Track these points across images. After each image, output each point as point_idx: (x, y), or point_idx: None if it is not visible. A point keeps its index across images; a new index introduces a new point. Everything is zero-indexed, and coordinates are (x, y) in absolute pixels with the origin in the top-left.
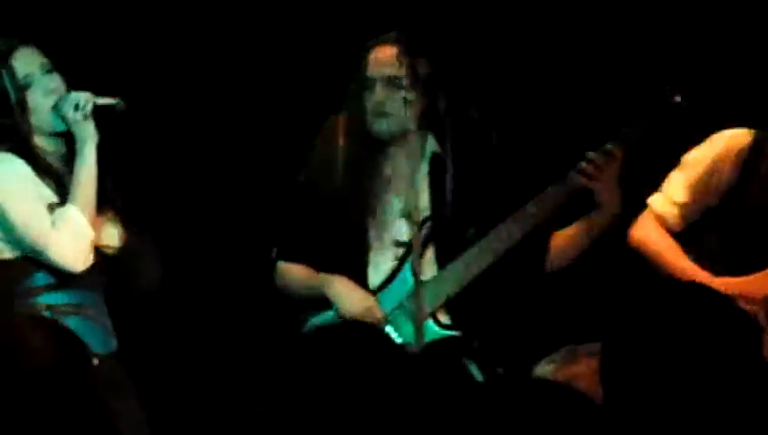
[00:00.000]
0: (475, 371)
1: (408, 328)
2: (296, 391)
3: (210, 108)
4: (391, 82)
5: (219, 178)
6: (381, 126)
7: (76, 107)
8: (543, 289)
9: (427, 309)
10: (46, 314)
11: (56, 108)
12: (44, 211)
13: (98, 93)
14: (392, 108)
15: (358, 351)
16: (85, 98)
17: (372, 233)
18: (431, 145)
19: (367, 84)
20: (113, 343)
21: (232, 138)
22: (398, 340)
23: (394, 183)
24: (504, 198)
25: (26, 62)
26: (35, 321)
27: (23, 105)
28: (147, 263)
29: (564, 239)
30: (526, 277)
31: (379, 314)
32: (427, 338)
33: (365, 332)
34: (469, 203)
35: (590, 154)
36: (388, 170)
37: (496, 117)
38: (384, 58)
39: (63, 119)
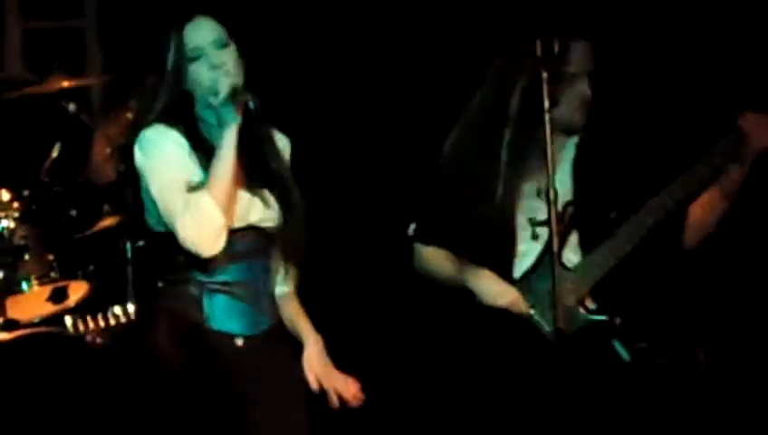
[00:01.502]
0: (620, 349)
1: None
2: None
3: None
4: (589, 75)
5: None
6: (583, 119)
7: (215, 93)
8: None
9: (574, 296)
10: (193, 290)
11: (213, 88)
12: (180, 191)
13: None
14: (588, 100)
15: (506, 342)
16: (223, 84)
17: (520, 221)
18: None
19: (569, 79)
20: (263, 324)
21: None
22: (547, 329)
23: (541, 170)
24: (645, 180)
25: (198, 34)
26: (156, 316)
27: (179, 75)
28: (300, 243)
29: (699, 209)
30: (665, 255)
31: (523, 307)
32: (576, 325)
33: (513, 322)
34: (612, 186)
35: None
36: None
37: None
38: (585, 53)
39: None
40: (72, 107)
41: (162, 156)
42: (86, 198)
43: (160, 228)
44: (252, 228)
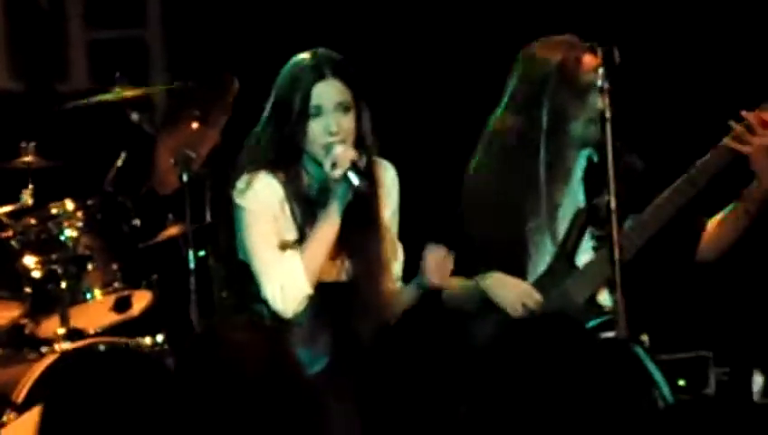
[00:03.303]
0: (654, 371)
1: None
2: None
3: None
4: (600, 90)
5: None
6: (595, 132)
7: (333, 164)
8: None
9: (584, 295)
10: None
11: (326, 151)
12: (275, 246)
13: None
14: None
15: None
16: (343, 159)
17: (533, 231)
18: None
19: (583, 91)
20: (317, 365)
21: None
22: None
23: (555, 181)
24: (656, 187)
25: (324, 94)
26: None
27: (301, 129)
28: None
29: (719, 224)
30: (679, 267)
31: (537, 297)
32: (587, 323)
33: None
34: (624, 194)
35: (745, 114)
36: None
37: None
38: (594, 65)
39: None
40: (135, 116)
41: (260, 208)
42: (150, 208)
43: (243, 258)
44: (324, 284)
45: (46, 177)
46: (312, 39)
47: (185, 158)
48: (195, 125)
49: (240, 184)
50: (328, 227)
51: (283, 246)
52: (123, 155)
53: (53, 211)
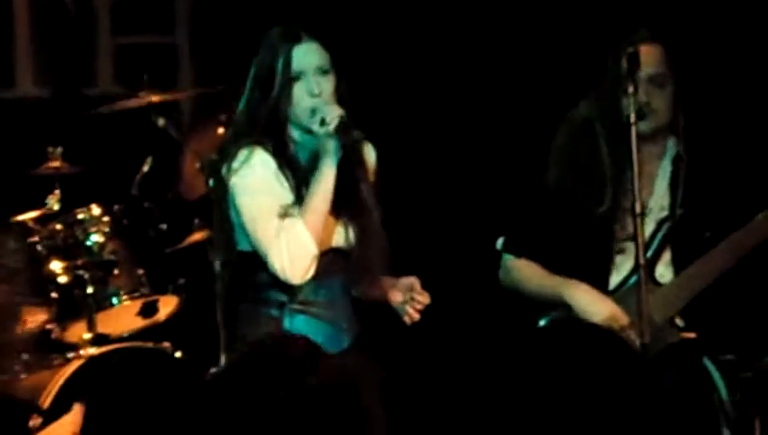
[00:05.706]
0: (711, 367)
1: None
2: (527, 387)
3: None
4: (653, 80)
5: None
6: (644, 125)
7: (322, 121)
8: None
9: (663, 313)
10: (273, 311)
11: (311, 114)
12: (274, 215)
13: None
14: (656, 106)
15: (595, 352)
16: (332, 116)
17: (618, 233)
18: (673, 146)
19: (626, 82)
20: (343, 343)
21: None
22: (638, 343)
23: (619, 180)
24: (745, 200)
25: (304, 57)
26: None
27: (285, 95)
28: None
29: None
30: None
31: (624, 321)
32: (664, 342)
33: (604, 336)
34: (707, 205)
35: None
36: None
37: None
38: (648, 56)
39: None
40: (161, 122)
41: (255, 181)
42: (176, 213)
43: (245, 247)
44: (331, 250)
45: (73, 182)
46: (339, 42)
47: (211, 162)
48: (221, 130)
49: (235, 163)
50: (324, 183)
51: (283, 214)
52: (149, 160)
53: (80, 216)
